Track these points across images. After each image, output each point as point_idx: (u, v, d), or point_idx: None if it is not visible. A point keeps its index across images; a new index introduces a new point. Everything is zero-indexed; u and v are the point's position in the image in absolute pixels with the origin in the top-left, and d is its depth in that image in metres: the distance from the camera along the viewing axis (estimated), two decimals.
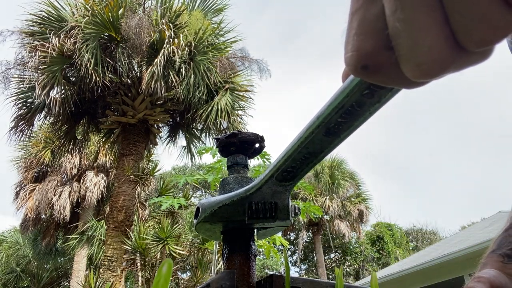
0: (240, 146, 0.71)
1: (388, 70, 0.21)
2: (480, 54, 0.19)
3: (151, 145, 9.42)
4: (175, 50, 7.63)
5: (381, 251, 22.49)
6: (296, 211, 0.64)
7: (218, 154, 1.50)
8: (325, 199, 17.84)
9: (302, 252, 24.20)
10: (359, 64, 0.21)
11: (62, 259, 17.02)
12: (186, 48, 7.85)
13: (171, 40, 7.69)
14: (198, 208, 0.64)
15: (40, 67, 7.79)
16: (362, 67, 0.21)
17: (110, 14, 7.61)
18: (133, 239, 7.37)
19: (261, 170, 4.72)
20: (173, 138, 10.21)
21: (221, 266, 4.54)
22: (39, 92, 7.67)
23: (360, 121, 0.42)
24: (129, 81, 8.65)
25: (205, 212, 0.62)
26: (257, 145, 0.72)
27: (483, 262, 0.58)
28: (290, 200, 0.61)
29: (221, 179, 0.71)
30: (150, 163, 11.17)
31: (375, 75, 0.21)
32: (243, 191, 0.59)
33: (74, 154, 11.24)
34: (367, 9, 0.20)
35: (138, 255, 7.48)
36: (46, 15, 8.18)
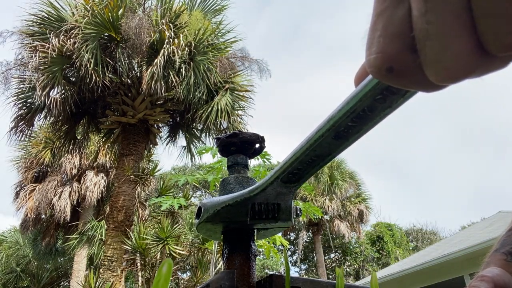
0: (240, 146, 0.71)
1: (411, 73, 0.21)
2: (502, 59, 0.19)
3: (151, 145, 9.42)
4: (175, 50, 7.62)
5: (381, 251, 22.49)
6: (298, 212, 0.64)
7: (218, 154, 1.49)
8: (325, 199, 17.84)
9: (302, 252, 24.20)
10: (384, 66, 0.21)
11: (62, 259, 17.01)
12: (186, 48, 7.84)
13: (171, 40, 7.69)
14: (200, 208, 0.63)
15: (40, 67, 7.79)
16: (387, 69, 0.21)
17: (110, 15, 7.61)
18: (133, 239, 7.36)
19: (261, 170, 4.72)
20: (173, 138, 10.20)
21: (221, 266, 4.54)
22: (39, 92, 7.67)
23: (370, 125, 0.41)
24: (129, 81, 8.65)
25: (208, 212, 0.61)
26: (257, 145, 0.72)
27: (487, 261, 0.57)
28: (292, 201, 0.61)
29: (221, 179, 0.71)
30: (150, 163, 11.18)
31: (398, 78, 0.21)
32: (247, 192, 0.59)
33: (74, 154, 11.23)
34: (393, 11, 0.20)
35: (138, 255, 7.48)
36: (46, 15, 8.18)
